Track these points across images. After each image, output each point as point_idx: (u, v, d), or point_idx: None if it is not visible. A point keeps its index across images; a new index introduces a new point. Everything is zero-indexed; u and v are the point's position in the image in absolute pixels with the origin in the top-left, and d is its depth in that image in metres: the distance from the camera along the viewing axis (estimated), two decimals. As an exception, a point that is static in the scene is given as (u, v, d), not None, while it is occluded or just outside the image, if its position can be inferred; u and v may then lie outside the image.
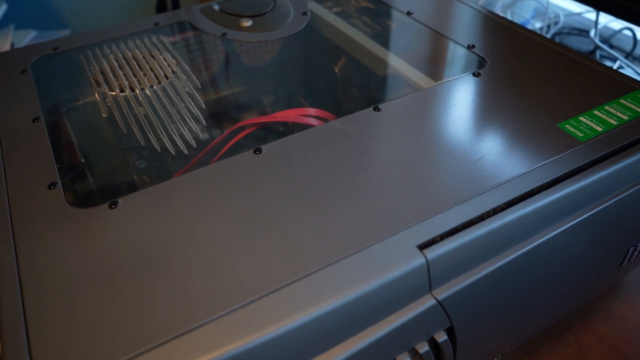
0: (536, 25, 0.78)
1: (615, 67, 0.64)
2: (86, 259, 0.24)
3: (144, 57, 0.41)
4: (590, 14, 0.78)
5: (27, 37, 0.90)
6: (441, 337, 0.26)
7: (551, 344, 0.37)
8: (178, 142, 0.33)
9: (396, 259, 0.24)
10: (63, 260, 0.24)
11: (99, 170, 0.34)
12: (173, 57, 0.41)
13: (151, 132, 0.33)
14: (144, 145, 0.33)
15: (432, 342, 0.26)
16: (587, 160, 0.29)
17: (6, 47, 0.85)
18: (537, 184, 0.27)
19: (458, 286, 0.25)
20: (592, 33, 0.68)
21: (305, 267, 0.23)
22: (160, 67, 0.39)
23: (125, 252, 0.25)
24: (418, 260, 0.24)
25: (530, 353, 0.37)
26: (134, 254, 0.24)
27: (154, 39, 0.43)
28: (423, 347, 0.25)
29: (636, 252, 0.35)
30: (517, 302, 0.29)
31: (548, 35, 0.75)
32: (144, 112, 0.35)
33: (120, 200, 0.27)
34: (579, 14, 0.79)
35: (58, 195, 0.28)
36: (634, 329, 0.38)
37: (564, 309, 0.36)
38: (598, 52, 0.67)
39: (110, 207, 0.27)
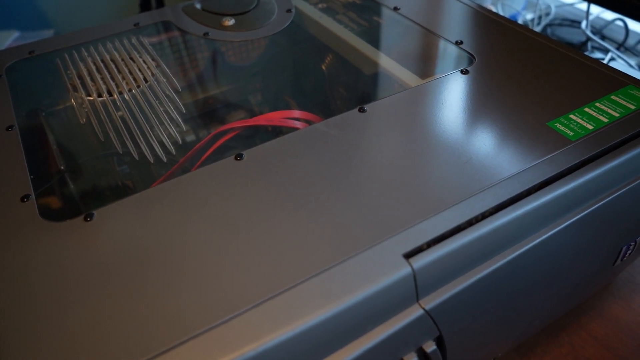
0: (527, 16, 0.77)
1: (607, 58, 0.63)
2: (60, 275, 0.23)
3: (122, 60, 0.39)
4: (582, 4, 0.77)
5: (10, 38, 0.88)
6: (430, 347, 0.25)
7: (544, 345, 0.37)
8: (157, 149, 0.32)
9: (381, 269, 0.23)
10: (35, 277, 0.23)
11: (74, 180, 0.33)
12: (153, 59, 0.40)
13: (129, 139, 0.32)
14: (121, 152, 0.32)
15: (421, 352, 0.25)
16: (578, 160, 0.28)
17: (-12, 49, 0.83)
18: (527, 186, 0.26)
19: (446, 295, 0.24)
20: (583, 24, 0.67)
21: (287, 280, 0.22)
22: (140, 70, 0.38)
23: (101, 267, 0.24)
24: (404, 270, 0.23)
25: (523, 355, 0.36)
26: (110, 269, 0.23)
27: (133, 41, 0.42)
28: (412, 358, 0.24)
29: (629, 251, 0.34)
30: (508, 307, 0.28)
31: (539, 27, 0.74)
32: (122, 118, 0.34)
33: (96, 212, 0.26)
34: (571, 4, 0.78)
35: (31, 207, 0.27)
36: (627, 328, 0.38)
37: (556, 311, 0.35)
38: (589, 44, 0.66)
39: (85, 219, 0.26)
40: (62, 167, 0.33)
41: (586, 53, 0.65)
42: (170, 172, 0.31)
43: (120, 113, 0.35)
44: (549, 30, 0.74)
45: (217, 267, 0.23)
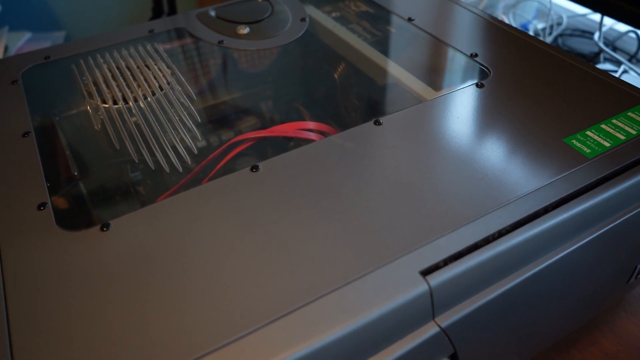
0: (538, 26, 0.77)
1: (619, 70, 0.63)
2: (76, 285, 0.23)
3: (138, 67, 0.40)
4: (594, 15, 0.77)
5: (22, 39, 0.88)
6: (445, 364, 0.25)
7: (555, 360, 0.37)
8: (172, 158, 0.32)
9: (398, 286, 0.23)
10: (52, 286, 0.23)
11: (90, 189, 0.33)
12: (168, 67, 0.40)
13: (144, 148, 0.32)
14: (137, 161, 0.32)
15: (436, 370, 0.25)
16: (595, 178, 0.28)
17: (0, 49, 0.83)
18: (544, 204, 0.26)
19: (462, 312, 0.24)
20: (596, 36, 0.67)
21: (303, 297, 0.22)
22: (155, 77, 0.38)
23: (115, 277, 0.24)
24: (421, 287, 0.23)
25: (534, 370, 0.36)
26: (125, 280, 0.23)
27: (148, 47, 0.42)
28: (426, 375, 0.24)
29: (644, 269, 0.34)
30: (522, 324, 0.28)
31: (550, 37, 0.74)
32: (137, 125, 0.34)
33: (112, 222, 0.26)
34: (583, 15, 0.78)
35: (48, 216, 0.27)
36: (638, 344, 0.38)
37: (568, 327, 0.35)
38: (602, 55, 0.66)
39: (102, 229, 0.26)
40: (77, 174, 0.33)
41: (598, 65, 0.65)
42: (185, 181, 0.31)
43: (135, 120, 0.35)
44: (560, 41, 0.73)
45: (232, 282, 0.23)
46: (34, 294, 0.23)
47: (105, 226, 0.26)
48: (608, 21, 0.72)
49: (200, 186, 0.28)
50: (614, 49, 0.69)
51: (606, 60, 0.66)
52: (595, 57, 0.68)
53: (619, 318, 0.39)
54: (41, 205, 0.28)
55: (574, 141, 0.30)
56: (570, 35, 0.74)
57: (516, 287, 0.25)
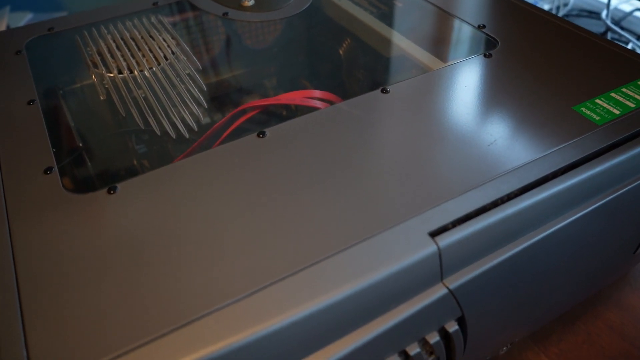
0: (544, 7, 0.77)
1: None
2: (83, 247, 0.23)
3: (142, 38, 0.39)
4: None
5: (24, 19, 0.88)
6: (452, 326, 0.25)
7: (560, 333, 0.37)
8: (179, 125, 0.32)
9: (407, 247, 0.23)
10: (59, 248, 0.23)
11: (97, 155, 0.33)
12: (172, 38, 0.39)
13: (151, 115, 0.32)
14: (143, 128, 0.31)
15: (443, 332, 0.25)
16: (604, 145, 0.27)
17: (2, 29, 0.83)
18: (552, 169, 0.26)
19: (470, 275, 0.24)
20: (603, 14, 0.66)
21: (312, 256, 0.22)
22: (160, 47, 0.38)
23: (124, 240, 0.24)
24: (429, 247, 0.23)
25: (539, 342, 0.36)
26: (133, 243, 0.23)
27: (152, 19, 0.42)
28: (433, 337, 0.24)
29: (650, 240, 0.34)
30: (529, 290, 0.28)
31: (556, 17, 0.73)
32: (143, 95, 0.34)
33: (119, 186, 0.26)
34: (589, -5, 0.77)
35: (54, 180, 0.27)
36: (644, 317, 0.38)
37: (575, 297, 0.35)
38: (609, 34, 0.66)
39: (108, 192, 0.26)
40: (82, 142, 0.33)
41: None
42: (192, 149, 0.31)
43: (140, 90, 0.35)
44: (566, 21, 0.73)
45: (239, 244, 0.23)
46: (42, 257, 0.23)
47: (112, 189, 0.26)
48: (615, 1, 0.72)
49: (207, 151, 0.28)
50: (621, 28, 0.69)
51: (614, 40, 0.66)
52: (602, 36, 0.67)
53: (623, 292, 0.39)
54: (47, 170, 0.28)
55: (584, 109, 0.30)
56: (577, 15, 0.74)
57: (524, 252, 0.25)
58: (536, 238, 0.25)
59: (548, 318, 0.35)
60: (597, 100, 0.30)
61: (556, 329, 0.37)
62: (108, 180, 0.26)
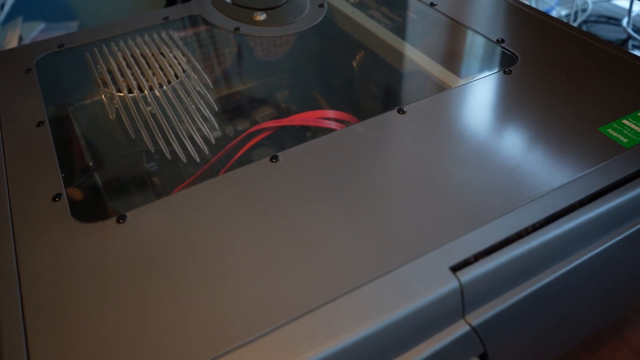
0: (562, 12, 0.75)
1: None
2: (92, 278, 0.23)
3: (152, 55, 0.39)
4: (620, 0, 0.74)
5: (36, 29, 0.88)
6: (474, 364, 0.24)
7: (583, 359, 0.35)
8: (189, 148, 0.31)
9: (427, 283, 0.22)
10: (67, 279, 0.23)
11: (106, 180, 0.32)
12: (183, 55, 0.39)
13: (160, 137, 0.32)
14: (153, 151, 0.31)
15: (464, 369, 0.24)
16: (634, 170, 0.26)
17: (15, 40, 0.83)
18: (579, 197, 0.25)
19: (493, 310, 0.23)
20: (624, 21, 0.64)
21: (328, 293, 0.21)
22: (170, 65, 0.37)
23: (133, 271, 0.23)
24: (451, 283, 0.22)
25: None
26: (143, 274, 0.23)
27: (163, 35, 0.41)
28: (454, 375, 0.23)
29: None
30: (554, 321, 0.27)
31: (575, 24, 0.71)
32: (153, 114, 0.33)
33: (128, 215, 0.26)
34: (608, 0, 0.75)
35: (63, 207, 0.26)
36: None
37: (601, 323, 0.34)
38: (630, 42, 0.64)
39: (118, 221, 0.25)
40: (92, 165, 0.32)
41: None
42: (202, 171, 0.30)
43: (150, 109, 0.34)
44: (584, 27, 0.71)
45: (252, 278, 0.22)
46: (49, 286, 0.23)
47: (121, 218, 0.25)
48: (637, 7, 0.70)
49: (218, 177, 0.27)
50: (642, 35, 0.67)
51: (635, 47, 0.64)
52: (622, 44, 0.65)
53: (650, 315, 0.38)
54: (56, 197, 0.27)
55: (610, 130, 0.28)
56: (595, 21, 0.72)
57: (550, 285, 0.24)
58: (563, 270, 0.24)
59: (571, 345, 0.34)
60: (624, 121, 0.29)
61: (580, 355, 0.36)
62: (118, 206, 0.26)
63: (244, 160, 0.28)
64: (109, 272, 0.23)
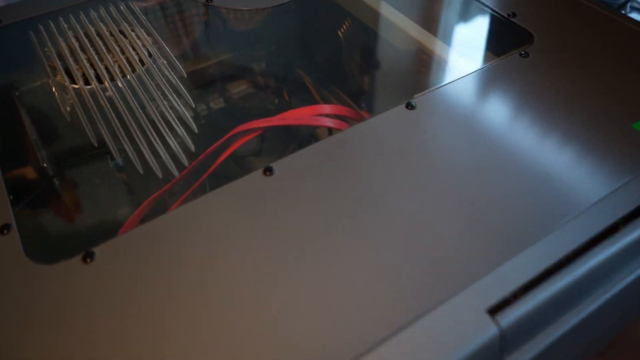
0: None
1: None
2: (57, 323, 0.18)
3: (112, 35, 0.33)
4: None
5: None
6: (508, 407, 0.21)
7: None
8: (164, 156, 0.26)
9: (463, 331, 0.18)
10: (26, 324, 0.19)
11: (65, 203, 0.27)
12: (148, 34, 0.33)
13: (128, 143, 0.27)
14: (120, 164, 0.26)
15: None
16: (679, 176, 0.23)
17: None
18: (621, 214, 0.22)
19: (533, 351, 0.20)
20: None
21: (344, 352, 0.18)
22: (134, 48, 0.32)
23: (104, 320, 0.19)
24: (490, 330, 0.19)
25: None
26: (116, 325, 0.19)
27: (122, 7, 0.35)
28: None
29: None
30: (587, 347, 0.25)
31: None
32: (117, 113, 0.28)
33: (96, 251, 0.21)
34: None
35: (14, 242, 0.22)
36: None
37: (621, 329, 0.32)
38: (628, 4, 0.60)
39: (84, 260, 0.21)
40: (46, 187, 0.27)
41: (623, 12, 0.59)
42: (179, 180, 0.26)
43: (113, 105, 0.29)
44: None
45: (243, 324, 0.18)
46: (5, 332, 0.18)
47: (88, 256, 0.21)
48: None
49: (204, 196, 0.23)
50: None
51: (633, 9, 0.60)
52: (622, 7, 0.61)
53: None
54: (4, 228, 0.22)
55: (646, 127, 0.25)
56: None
57: (593, 315, 0.21)
58: (606, 296, 0.21)
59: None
60: (661, 116, 0.26)
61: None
62: (83, 241, 0.21)
63: (232, 173, 0.24)
64: (75, 321, 0.19)
